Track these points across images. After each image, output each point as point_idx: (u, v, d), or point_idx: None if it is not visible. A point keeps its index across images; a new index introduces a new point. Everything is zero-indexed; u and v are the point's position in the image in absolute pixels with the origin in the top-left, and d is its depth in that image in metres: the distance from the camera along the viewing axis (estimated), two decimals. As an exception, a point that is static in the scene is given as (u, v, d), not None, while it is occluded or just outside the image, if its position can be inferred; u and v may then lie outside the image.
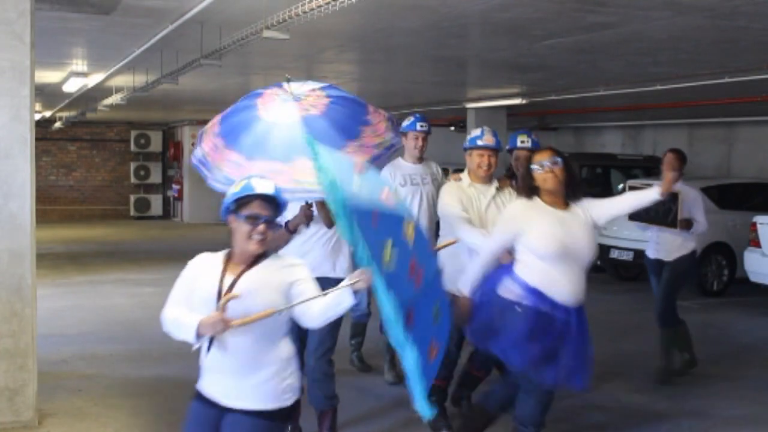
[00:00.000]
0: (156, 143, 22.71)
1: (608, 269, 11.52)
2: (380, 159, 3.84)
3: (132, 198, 22.42)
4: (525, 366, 4.12)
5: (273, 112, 3.72)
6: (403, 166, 5.91)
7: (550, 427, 5.32)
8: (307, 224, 4.46)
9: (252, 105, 3.83)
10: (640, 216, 6.46)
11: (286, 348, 3.18)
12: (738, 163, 14.69)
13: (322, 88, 3.98)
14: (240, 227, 3.07)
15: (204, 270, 3.16)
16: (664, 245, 6.59)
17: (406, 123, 6.03)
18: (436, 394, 4.92)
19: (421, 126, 5.98)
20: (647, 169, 13.47)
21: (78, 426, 5.22)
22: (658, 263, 6.62)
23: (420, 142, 5.94)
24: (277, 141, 3.59)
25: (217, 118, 3.93)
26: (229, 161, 3.63)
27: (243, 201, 3.06)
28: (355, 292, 3.05)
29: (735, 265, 10.50)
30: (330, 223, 4.57)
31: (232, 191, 3.10)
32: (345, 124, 3.78)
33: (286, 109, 3.72)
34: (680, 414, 5.75)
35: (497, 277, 4.24)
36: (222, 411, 3.11)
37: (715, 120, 14.39)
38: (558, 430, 5.29)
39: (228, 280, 3.10)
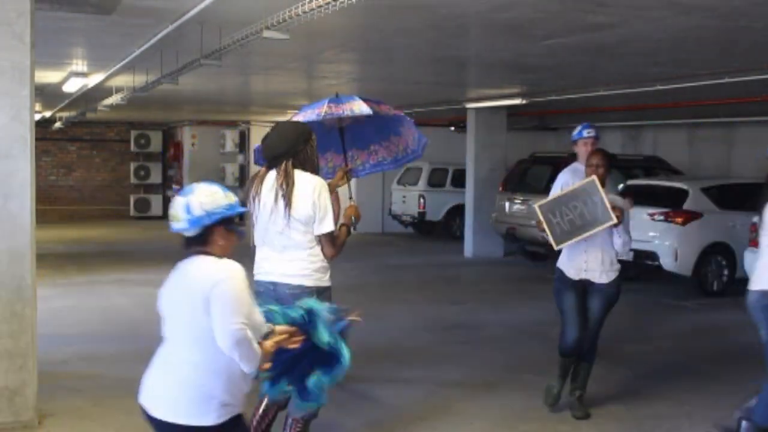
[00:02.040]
0: (156, 143, 22.72)
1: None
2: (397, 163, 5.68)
3: (132, 198, 22.43)
4: None
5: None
6: (580, 171, 6.34)
7: (549, 428, 5.33)
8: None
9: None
10: None
11: None
12: (738, 163, 14.69)
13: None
14: (229, 238, 3.06)
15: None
16: None
17: (574, 133, 6.62)
18: None
19: (588, 133, 6.52)
20: (647, 169, 13.46)
21: (78, 426, 5.22)
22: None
23: (590, 148, 6.43)
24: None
25: None
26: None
27: (232, 216, 3.07)
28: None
29: (735, 265, 10.49)
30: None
31: (227, 202, 3.03)
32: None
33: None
34: (680, 414, 5.75)
35: None
36: None
37: (715, 120, 14.39)
38: (560, 431, 5.30)
39: None
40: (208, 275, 2.96)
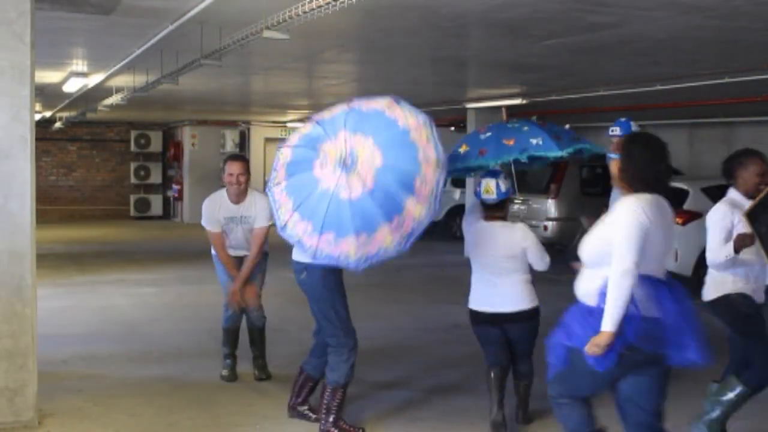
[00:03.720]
0: (156, 143, 22.72)
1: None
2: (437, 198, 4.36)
3: (132, 198, 22.42)
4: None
5: (335, 186, 4.30)
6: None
7: (551, 428, 5.31)
8: None
9: (311, 172, 4.41)
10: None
11: None
12: (738, 163, 14.66)
13: (366, 135, 4.41)
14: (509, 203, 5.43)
15: None
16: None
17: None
18: None
19: (612, 131, 6.34)
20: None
21: (78, 426, 5.22)
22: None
23: (612, 148, 5.97)
24: (353, 217, 4.26)
25: (282, 173, 4.55)
26: (325, 242, 4.34)
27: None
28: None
29: (735, 265, 10.47)
30: None
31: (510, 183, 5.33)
32: (396, 192, 4.29)
33: (346, 184, 4.29)
34: (680, 414, 5.74)
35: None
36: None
37: (715, 120, 14.39)
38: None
39: None
40: (522, 236, 5.11)
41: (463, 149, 5.38)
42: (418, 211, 4.29)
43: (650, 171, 3.71)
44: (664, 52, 7.93)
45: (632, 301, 3.54)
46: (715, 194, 10.74)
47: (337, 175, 4.31)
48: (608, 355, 3.56)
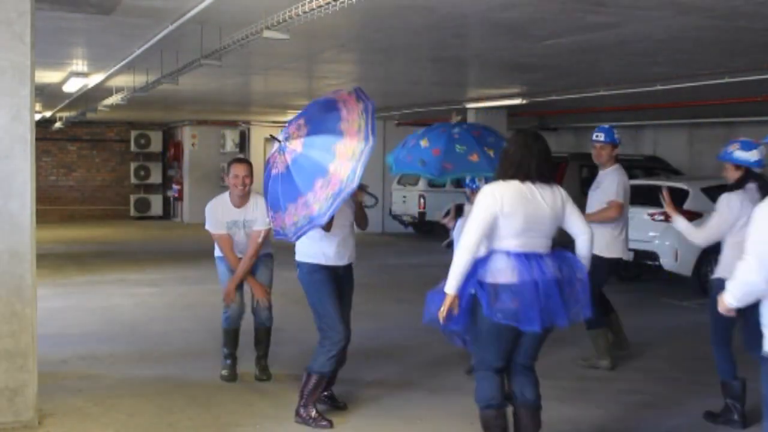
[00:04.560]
0: (156, 143, 22.72)
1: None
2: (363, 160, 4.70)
3: (132, 198, 22.43)
4: None
5: (279, 166, 4.94)
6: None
7: (551, 427, 5.32)
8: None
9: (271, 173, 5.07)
10: None
11: None
12: (738, 163, 14.66)
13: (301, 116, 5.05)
14: None
15: None
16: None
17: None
18: None
19: (596, 137, 6.83)
20: (647, 169, 13.45)
21: (78, 426, 5.22)
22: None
23: (595, 152, 6.89)
24: (296, 179, 4.79)
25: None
26: (293, 214, 4.79)
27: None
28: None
29: (735, 266, 10.46)
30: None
31: None
32: (321, 147, 4.76)
33: (282, 158, 4.93)
34: (680, 414, 5.75)
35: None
36: None
37: (715, 120, 14.39)
38: (561, 431, 5.29)
39: None
40: None
41: (474, 159, 5.97)
42: (342, 173, 4.62)
43: (521, 163, 4.22)
44: (664, 52, 7.94)
45: (475, 271, 4.17)
46: (716, 194, 10.81)
47: (280, 160, 4.93)
48: (459, 315, 4.43)
